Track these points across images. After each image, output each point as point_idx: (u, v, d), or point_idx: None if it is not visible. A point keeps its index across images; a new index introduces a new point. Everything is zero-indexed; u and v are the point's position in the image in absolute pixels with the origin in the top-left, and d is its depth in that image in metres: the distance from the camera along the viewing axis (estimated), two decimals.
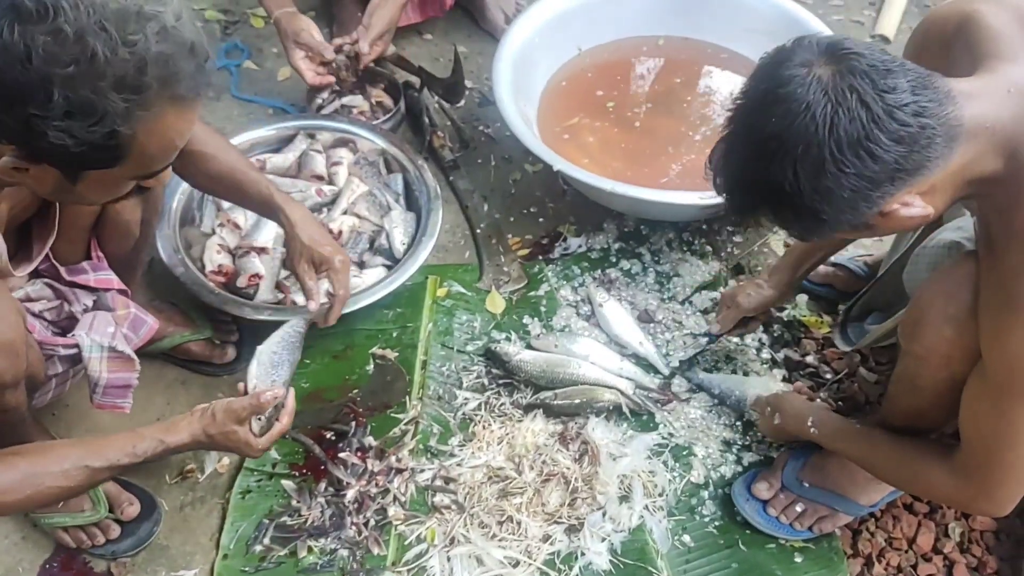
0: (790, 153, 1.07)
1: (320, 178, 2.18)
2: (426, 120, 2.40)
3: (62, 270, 1.59)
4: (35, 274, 1.59)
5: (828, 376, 1.89)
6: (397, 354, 1.67)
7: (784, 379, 1.88)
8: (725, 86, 2.45)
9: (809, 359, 1.93)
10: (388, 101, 2.45)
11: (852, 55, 1.07)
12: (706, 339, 1.92)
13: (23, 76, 0.98)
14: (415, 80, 2.48)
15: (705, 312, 2.02)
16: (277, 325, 1.87)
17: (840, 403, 1.83)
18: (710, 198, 2.01)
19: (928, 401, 1.41)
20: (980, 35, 1.23)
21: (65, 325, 1.60)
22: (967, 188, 1.17)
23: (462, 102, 2.48)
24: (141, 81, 1.03)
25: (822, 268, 2.05)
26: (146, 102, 1.05)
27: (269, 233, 2.03)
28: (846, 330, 1.84)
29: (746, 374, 1.89)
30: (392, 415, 1.81)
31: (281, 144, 2.26)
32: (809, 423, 1.58)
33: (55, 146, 1.03)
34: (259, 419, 1.49)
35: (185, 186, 2.04)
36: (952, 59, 1.27)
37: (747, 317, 1.86)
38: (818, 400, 1.79)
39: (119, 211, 1.64)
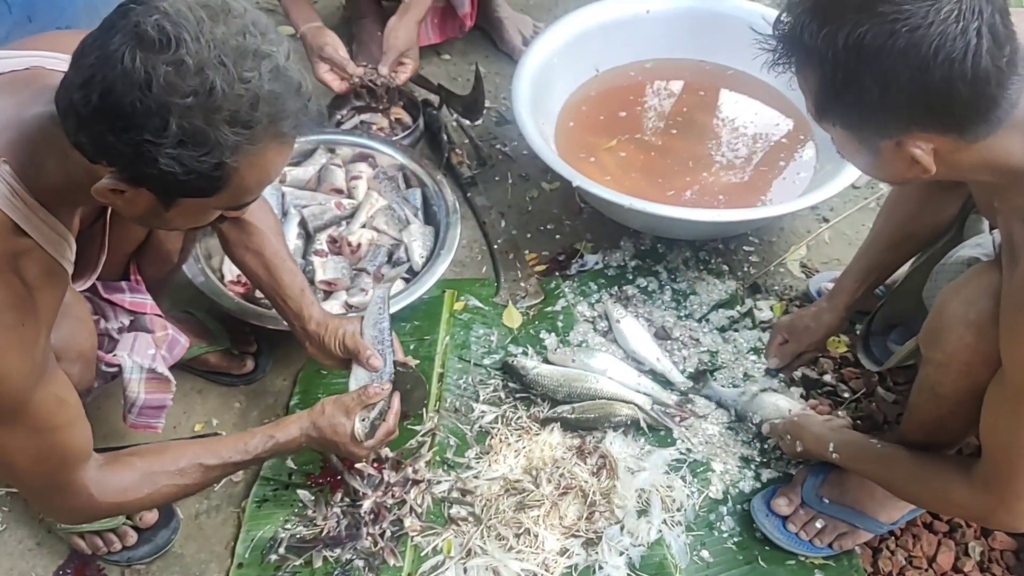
0: (895, 24, 1.03)
1: (339, 191, 2.20)
2: (444, 137, 2.42)
3: (99, 286, 1.60)
4: None
5: (846, 395, 1.89)
6: (418, 362, 1.67)
7: (802, 396, 1.88)
8: (740, 108, 2.47)
9: (827, 378, 1.93)
10: (407, 118, 2.47)
11: None
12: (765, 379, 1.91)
13: (142, 103, 0.99)
14: (434, 98, 2.51)
15: (723, 330, 2.02)
16: (291, 334, 1.88)
17: (858, 422, 1.82)
18: (725, 214, 2.04)
19: (949, 410, 1.40)
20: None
21: (99, 342, 1.61)
22: (983, 172, 1.16)
23: (481, 120, 2.50)
24: (252, 116, 1.04)
25: None
26: (254, 137, 1.06)
27: (289, 244, 2.03)
28: (869, 346, 1.84)
29: (763, 391, 1.88)
30: (409, 427, 1.81)
31: (301, 157, 2.29)
32: (831, 448, 1.57)
33: (164, 173, 1.03)
34: (363, 420, 1.54)
35: None
36: None
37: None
38: (835, 417, 1.78)
39: (163, 240, 1.67)
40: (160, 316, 1.64)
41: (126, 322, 1.60)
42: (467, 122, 2.50)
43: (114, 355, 1.53)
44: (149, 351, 1.57)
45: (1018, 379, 1.19)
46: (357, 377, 1.61)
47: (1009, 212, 1.24)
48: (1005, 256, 1.26)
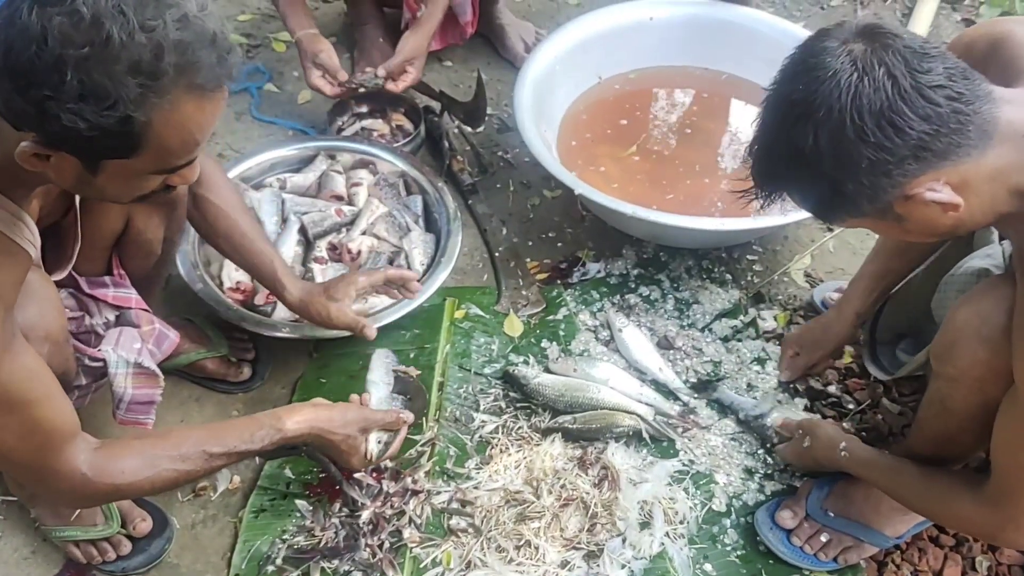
0: (812, 116, 1.09)
1: (340, 198, 2.18)
2: (446, 144, 2.41)
3: (82, 281, 1.59)
4: (58, 283, 1.59)
5: (851, 406, 1.87)
6: (419, 372, 1.65)
7: (806, 408, 1.86)
8: (743, 115, 2.46)
9: (831, 389, 1.90)
10: (408, 125, 2.46)
11: (889, 36, 1.09)
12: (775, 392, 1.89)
13: (39, 57, 0.98)
14: (435, 105, 2.49)
15: (726, 340, 2.00)
16: (293, 342, 1.87)
17: (863, 433, 1.79)
18: (729, 223, 2.02)
19: (958, 425, 1.38)
20: (1014, 52, 1.23)
21: (84, 339, 1.59)
22: (1010, 200, 1.15)
23: (482, 127, 2.49)
24: (157, 67, 1.02)
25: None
26: (161, 88, 1.03)
27: (288, 250, 2.02)
28: (877, 355, 1.82)
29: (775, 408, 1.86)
30: (409, 436, 1.78)
31: (302, 164, 2.27)
32: (841, 447, 1.55)
33: (68, 130, 1.01)
34: (379, 441, 1.57)
35: None
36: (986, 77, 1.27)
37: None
38: (843, 443, 1.75)
39: (142, 230, 1.64)
40: (147, 311, 1.62)
41: (111, 318, 1.58)
42: (469, 129, 2.48)
43: (99, 349, 1.51)
44: (135, 345, 1.54)
45: None
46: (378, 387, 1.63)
47: (1021, 228, 1.22)
48: (1019, 271, 1.24)
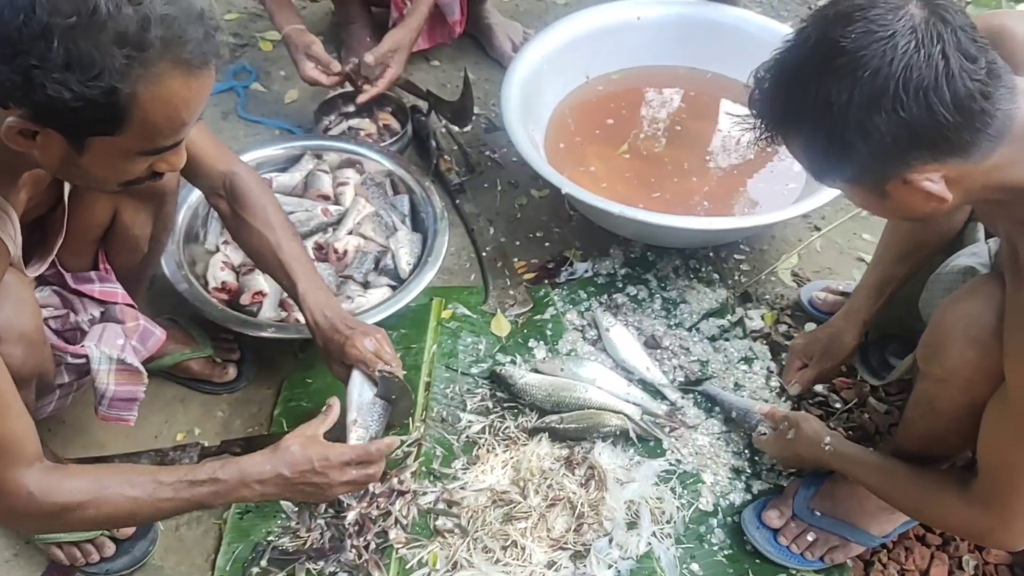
0: (856, 73, 1.02)
1: (326, 198, 2.17)
2: (433, 143, 2.40)
3: (68, 277, 1.58)
4: (42, 280, 1.58)
5: (838, 405, 1.87)
6: (405, 372, 1.64)
7: (793, 408, 1.85)
8: (731, 115, 2.46)
9: (818, 388, 1.90)
10: (395, 124, 2.45)
11: (948, 9, 1.04)
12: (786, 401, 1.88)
13: (25, 26, 0.98)
14: (423, 104, 2.48)
15: (713, 339, 1.99)
16: (279, 342, 1.85)
17: (850, 433, 1.80)
18: (716, 223, 2.02)
19: (946, 426, 1.38)
20: (1012, 47, 1.20)
21: (69, 336, 1.58)
22: (993, 192, 1.13)
23: (470, 126, 2.48)
24: (143, 38, 1.02)
25: (830, 297, 2.04)
26: (147, 60, 1.03)
27: None
28: (867, 358, 1.81)
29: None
30: (396, 436, 1.77)
31: (288, 164, 2.26)
32: (826, 441, 1.53)
33: (53, 100, 1.01)
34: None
35: (191, 202, 2.03)
36: None
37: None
38: (828, 438, 1.75)
39: (129, 225, 1.63)
40: (132, 306, 1.61)
41: (96, 314, 1.57)
42: (456, 128, 2.48)
43: (81, 346, 1.49)
44: (118, 341, 1.53)
45: (1021, 398, 1.17)
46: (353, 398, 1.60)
47: (1014, 228, 1.21)
48: (1009, 272, 1.23)
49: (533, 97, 2.34)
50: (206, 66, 1.10)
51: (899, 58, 1.01)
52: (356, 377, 1.62)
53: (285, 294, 1.96)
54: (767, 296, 2.12)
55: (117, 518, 1.34)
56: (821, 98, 1.06)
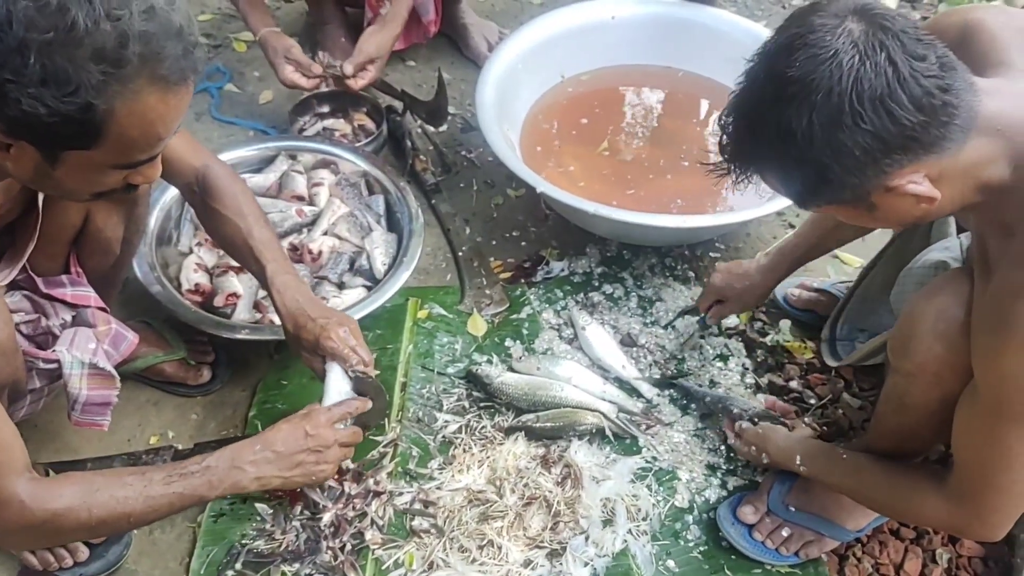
0: (809, 98, 1.04)
1: (301, 198, 2.16)
2: (408, 144, 2.39)
3: (39, 281, 1.56)
4: (13, 285, 1.56)
5: (812, 401, 1.88)
6: (378, 372, 1.63)
7: (768, 405, 1.86)
8: (706, 114, 2.47)
9: (793, 384, 1.91)
10: (370, 124, 2.44)
11: (886, 17, 1.06)
12: (695, 319, 1.97)
13: (2, 41, 0.98)
14: (398, 105, 2.48)
15: (689, 338, 2.00)
16: (254, 344, 1.84)
17: (824, 428, 1.81)
18: (690, 220, 2.02)
19: (917, 420, 1.38)
20: (985, 42, 1.21)
21: (41, 340, 1.56)
22: (976, 193, 1.14)
23: (445, 126, 2.48)
24: (121, 55, 1.01)
25: (804, 294, 2.06)
26: (124, 77, 1.03)
27: None
28: (835, 348, 1.83)
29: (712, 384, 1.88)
30: (371, 437, 1.76)
31: (262, 165, 2.25)
32: (797, 461, 1.55)
33: (28, 115, 1.01)
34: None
35: (163, 203, 2.02)
36: None
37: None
38: (802, 425, 1.76)
39: (101, 228, 1.61)
40: (104, 310, 1.60)
41: (68, 318, 1.56)
42: (431, 128, 2.47)
43: (52, 351, 1.48)
44: (90, 345, 1.51)
45: (991, 395, 1.17)
46: (331, 394, 1.56)
47: (985, 225, 1.22)
48: (977, 267, 1.24)
49: (509, 96, 2.34)
50: (184, 82, 1.10)
51: (846, 74, 1.03)
52: (336, 371, 1.58)
53: (260, 294, 1.96)
54: None
55: (110, 521, 1.32)
56: (783, 129, 1.07)
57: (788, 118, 1.06)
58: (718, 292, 1.88)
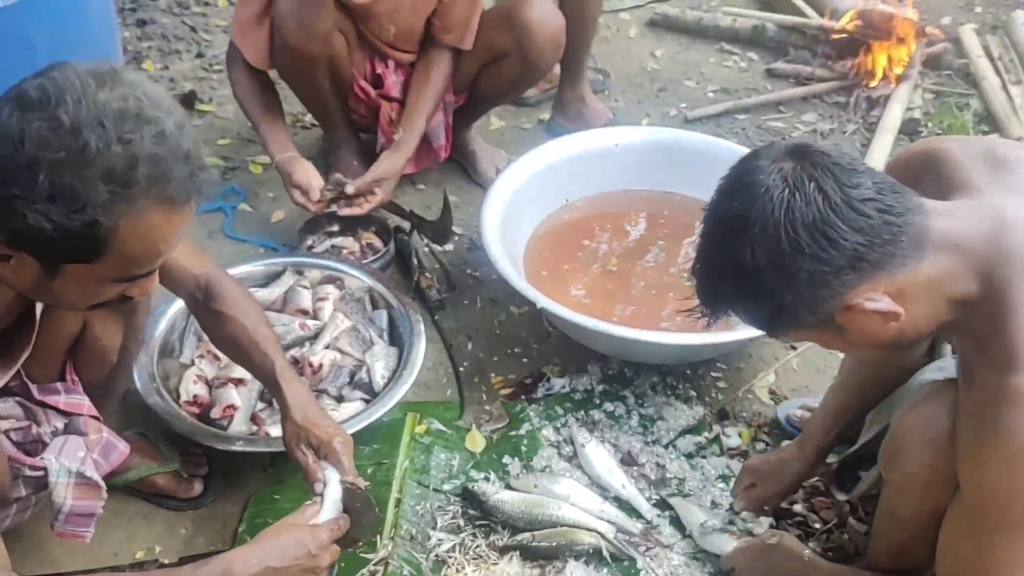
0: (749, 232, 1.12)
1: (305, 312, 2.18)
2: (415, 261, 2.44)
3: (33, 388, 1.56)
4: (6, 391, 1.56)
5: (817, 525, 1.82)
6: (368, 484, 1.60)
7: (772, 527, 1.81)
8: (679, 311, 2.49)
9: (797, 508, 1.86)
10: (378, 243, 2.50)
11: (817, 153, 1.14)
12: (729, 513, 1.83)
13: (12, 157, 1.01)
14: (406, 224, 2.54)
15: (689, 456, 1.97)
16: (248, 457, 1.82)
17: (829, 553, 1.74)
18: (691, 338, 2.02)
19: (912, 534, 1.35)
20: (949, 168, 1.27)
21: (31, 447, 1.55)
22: (948, 309, 1.17)
23: (451, 245, 2.54)
24: (129, 176, 1.05)
25: (807, 415, 2.01)
26: (131, 197, 1.06)
27: None
28: (843, 479, 1.78)
29: (731, 522, 1.81)
30: (361, 554, 1.72)
31: (268, 279, 2.29)
32: (806, 552, 1.49)
33: (32, 229, 1.04)
34: None
35: (168, 316, 2.05)
36: (921, 194, 1.30)
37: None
38: (807, 551, 1.70)
39: (98, 336, 1.63)
40: (97, 419, 1.59)
41: (60, 426, 1.55)
42: (438, 247, 2.52)
43: (40, 458, 1.46)
44: (79, 453, 1.50)
45: (975, 501, 1.16)
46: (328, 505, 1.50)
47: (963, 340, 1.24)
48: (961, 379, 1.25)
49: (513, 217, 2.39)
50: (187, 203, 1.15)
51: (778, 206, 1.11)
52: (335, 482, 1.52)
53: (258, 407, 1.96)
54: (744, 413, 2.10)
55: None
56: (733, 266, 1.15)
57: (734, 254, 1.14)
58: (752, 472, 1.81)
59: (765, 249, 1.12)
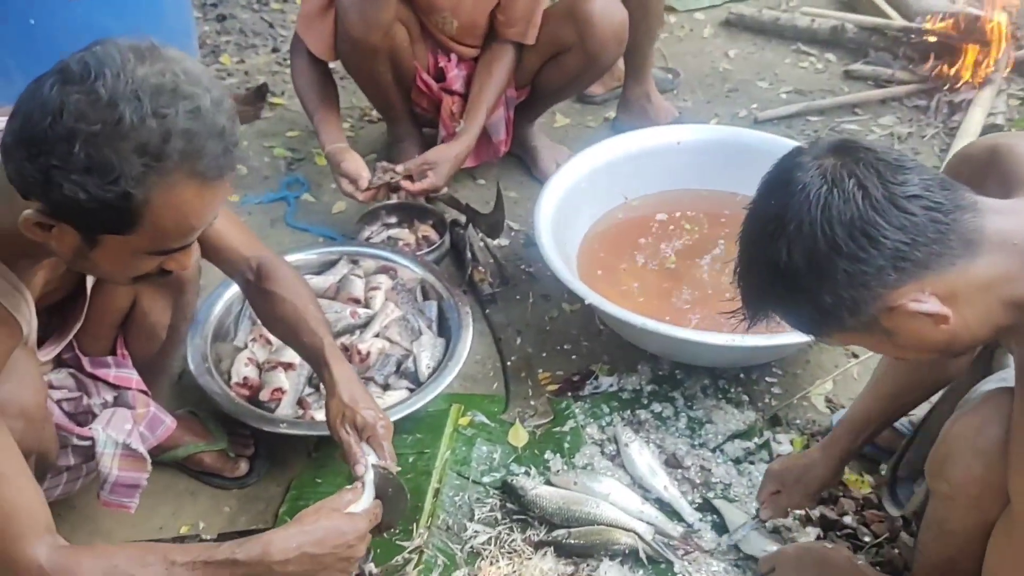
0: (785, 230, 1.09)
1: (357, 301, 2.21)
2: (468, 255, 2.44)
3: (84, 360, 1.62)
4: (59, 363, 1.62)
5: (867, 539, 1.74)
6: (399, 469, 1.59)
7: (818, 538, 1.74)
8: (722, 313, 2.43)
9: (847, 519, 1.78)
10: (434, 235, 2.51)
11: (861, 149, 1.10)
12: (753, 521, 1.77)
13: (52, 129, 1.04)
14: (462, 218, 2.54)
15: (737, 462, 1.91)
16: (293, 440, 1.85)
17: (878, 568, 1.67)
18: (745, 340, 1.96)
19: (960, 549, 1.27)
20: (1013, 164, 1.21)
21: (81, 418, 1.61)
22: (1005, 313, 1.11)
23: (507, 240, 2.54)
24: (163, 150, 1.07)
25: None
26: (164, 170, 1.08)
27: None
28: (895, 492, 1.71)
29: (776, 530, 1.75)
30: (397, 542, 1.72)
31: (323, 267, 2.32)
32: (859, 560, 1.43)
33: (69, 199, 1.07)
34: None
35: (225, 299, 2.10)
36: (985, 191, 1.24)
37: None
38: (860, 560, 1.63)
39: (147, 312, 1.68)
40: (145, 393, 1.64)
41: (109, 398, 1.60)
42: (492, 241, 2.52)
43: (89, 428, 1.51)
44: (126, 426, 1.55)
45: None
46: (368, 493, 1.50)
47: (1020, 340, 1.17)
48: (1018, 387, 1.18)
49: (570, 213, 2.37)
50: (220, 179, 1.16)
51: (815, 203, 1.07)
52: (372, 462, 1.53)
53: (305, 391, 1.98)
54: (798, 421, 2.03)
55: None
56: (771, 265, 1.12)
57: (772, 254, 1.11)
58: (777, 478, 1.75)
59: (802, 249, 1.08)
